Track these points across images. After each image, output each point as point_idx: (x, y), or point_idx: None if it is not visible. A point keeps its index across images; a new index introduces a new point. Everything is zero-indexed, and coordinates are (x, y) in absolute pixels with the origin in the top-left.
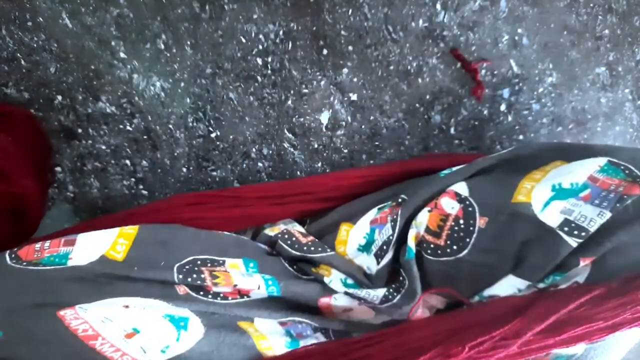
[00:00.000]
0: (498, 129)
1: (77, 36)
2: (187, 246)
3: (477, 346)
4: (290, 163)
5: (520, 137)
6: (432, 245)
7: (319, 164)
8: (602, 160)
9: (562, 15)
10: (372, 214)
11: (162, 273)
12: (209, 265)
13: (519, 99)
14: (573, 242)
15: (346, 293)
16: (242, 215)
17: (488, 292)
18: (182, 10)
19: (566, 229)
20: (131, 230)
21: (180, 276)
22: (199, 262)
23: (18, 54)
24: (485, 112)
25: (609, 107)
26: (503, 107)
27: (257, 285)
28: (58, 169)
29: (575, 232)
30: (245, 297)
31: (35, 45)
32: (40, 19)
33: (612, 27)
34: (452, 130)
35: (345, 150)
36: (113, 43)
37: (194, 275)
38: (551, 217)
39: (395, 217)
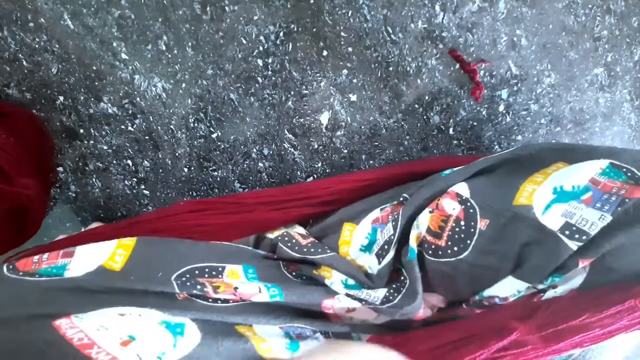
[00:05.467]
0: (496, 130)
1: (79, 37)
2: (185, 256)
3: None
4: (291, 163)
5: (519, 137)
6: (433, 246)
7: (319, 164)
8: (604, 163)
9: (560, 16)
10: (374, 214)
11: (160, 285)
12: (206, 275)
13: (518, 100)
14: (573, 246)
15: (347, 295)
16: (244, 221)
17: (488, 292)
18: (183, 12)
19: (567, 232)
20: (129, 241)
21: (179, 288)
22: (196, 271)
23: (20, 55)
24: (484, 112)
25: (607, 108)
26: (501, 108)
27: (258, 288)
28: (60, 169)
29: (576, 236)
30: (246, 301)
31: (37, 46)
32: (42, 20)
33: (610, 28)
34: (450, 131)
35: (345, 151)
36: (115, 44)
37: (197, 287)
38: (552, 220)
39: (396, 216)
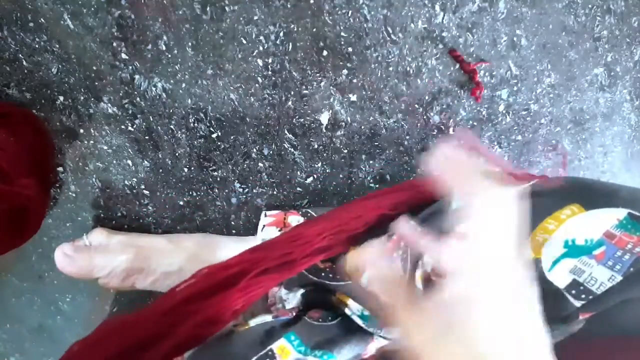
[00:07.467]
0: (496, 130)
1: (79, 37)
2: (238, 358)
3: None
4: (291, 163)
5: (519, 137)
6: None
7: (319, 164)
8: (621, 213)
9: (560, 16)
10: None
11: None
12: None
13: (517, 100)
14: (577, 303)
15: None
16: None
17: None
18: (183, 12)
19: (573, 291)
20: None
21: None
22: None
23: (20, 55)
24: (484, 112)
25: (607, 108)
26: (501, 108)
27: None
28: (60, 169)
29: (583, 296)
30: None
31: (37, 46)
32: (42, 20)
33: (610, 28)
34: (451, 131)
35: (345, 151)
36: (114, 44)
37: None
38: (559, 277)
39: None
